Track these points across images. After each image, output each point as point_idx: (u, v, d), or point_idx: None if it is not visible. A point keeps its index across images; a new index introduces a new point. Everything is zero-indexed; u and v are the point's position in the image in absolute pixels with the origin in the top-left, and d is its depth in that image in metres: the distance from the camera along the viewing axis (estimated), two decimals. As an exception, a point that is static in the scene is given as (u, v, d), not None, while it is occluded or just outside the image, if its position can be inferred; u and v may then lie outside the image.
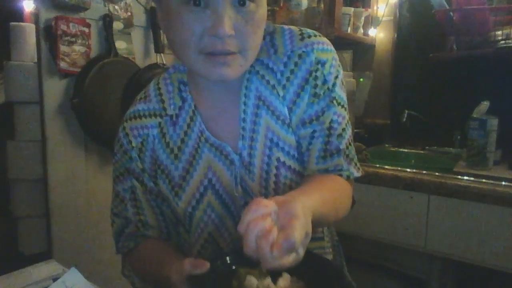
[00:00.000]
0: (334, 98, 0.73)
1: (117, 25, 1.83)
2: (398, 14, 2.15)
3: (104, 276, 1.64)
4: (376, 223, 1.65)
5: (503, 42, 1.67)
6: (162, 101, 0.76)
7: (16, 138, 1.75)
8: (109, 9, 1.80)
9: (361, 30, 2.17)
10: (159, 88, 0.78)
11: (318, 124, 0.73)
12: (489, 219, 1.39)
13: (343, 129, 0.74)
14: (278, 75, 0.72)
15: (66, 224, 1.73)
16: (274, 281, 0.58)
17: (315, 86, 0.71)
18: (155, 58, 1.94)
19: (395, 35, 2.17)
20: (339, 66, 0.74)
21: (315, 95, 0.72)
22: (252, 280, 0.56)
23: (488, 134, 1.57)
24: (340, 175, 0.73)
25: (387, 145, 2.18)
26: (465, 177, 1.50)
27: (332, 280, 0.57)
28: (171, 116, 0.75)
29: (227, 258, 0.62)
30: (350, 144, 0.76)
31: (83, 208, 1.76)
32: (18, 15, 1.81)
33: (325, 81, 0.72)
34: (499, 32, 1.69)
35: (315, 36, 0.72)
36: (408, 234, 1.57)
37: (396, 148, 2.13)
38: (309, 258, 0.61)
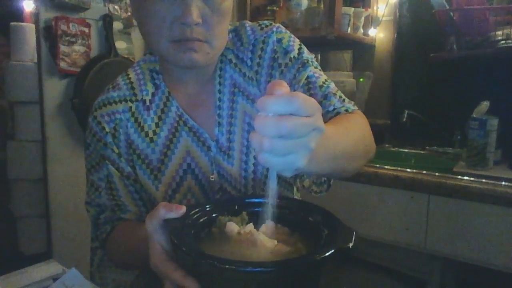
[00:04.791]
0: (306, 60, 0.77)
1: (117, 25, 1.83)
2: (398, 14, 2.15)
3: (104, 276, 1.64)
4: (376, 223, 1.65)
5: (503, 42, 1.67)
6: (132, 88, 0.79)
7: (16, 138, 1.75)
8: (109, 9, 1.80)
9: (361, 30, 2.17)
10: (129, 78, 0.80)
11: (296, 84, 0.76)
12: (489, 219, 1.39)
13: (324, 82, 0.76)
14: (249, 62, 0.78)
15: (66, 224, 1.74)
16: (257, 229, 0.54)
17: (278, 58, 0.77)
18: (155, 58, 1.94)
19: (395, 35, 2.17)
20: (299, 41, 0.80)
21: (281, 66, 0.77)
22: (233, 226, 0.54)
23: (488, 134, 1.56)
24: (338, 113, 0.72)
25: (387, 145, 2.18)
26: (465, 177, 1.49)
27: (321, 223, 0.53)
28: (144, 101, 0.78)
29: (206, 206, 0.58)
30: (337, 91, 0.76)
31: (83, 208, 1.76)
32: (18, 15, 1.81)
33: (286, 52, 0.77)
34: (499, 32, 1.69)
35: (271, 24, 0.80)
36: (408, 234, 1.57)
37: (396, 148, 2.13)
38: (294, 204, 0.60)
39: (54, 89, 1.69)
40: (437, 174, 1.55)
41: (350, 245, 0.46)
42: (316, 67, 0.78)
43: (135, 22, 1.89)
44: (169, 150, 0.77)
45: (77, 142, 1.76)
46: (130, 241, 0.70)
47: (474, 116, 1.61)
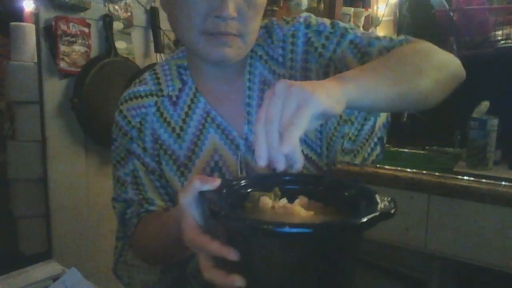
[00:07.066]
0: (345, 29, 0.74)
1: (117, 25, 1.83)
2: (398, 14, 2.15)
3: (104, 276, 1.64)
4: (376, 223, 1.65)
5: (503, 42, 1.67)
6: (159, 84, 0.78)
7: (16, 138, 1.75)
8: (109, 9, 1.80)
9: (361, 30, 2.17)
10: (155, 73, 0.80)
11: (338, 57, 0.72)
12: (489, 219, 1.39)
13: (369, 37, 0.73)
14: (280, 59, 0.76)
15: (66, 224, 1.73)
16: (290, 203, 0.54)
17: (314, 42, 0.74)
18: (155, 58, 1.94)
19: (395, 35, 2.17)
20: (326, 19, 0.77)
21: (318, 48, 0.73)
22: (266, 200, 0.53)
23: (488, 134, 1.56)
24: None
25: (387, 145, 2.18)
26: (465, 177, 1.49)
27: (358, 196, 0.52)
28: (170, 96, 0.77)
29: (242, 181, 0.56)
30: (383, 36, 0.75)
31: (83, 208, 1.76)
32: (18, 15, 1.81)
33: (319, 33, 0.74)
34: (499, 32, 1.69)
35: (294, 17, 0.77)
36: (408, 234, 1.57)
37: (396, 148, 2.13)
38: (327, 181, 0.59)
39: (54, 89, 1.69)
40: (437, 174, 1.55)
41: (393, 210, 0.45)
42: (354, 29, 0.75)
43: (135, 22, 1.89)
44: (197, 147, 0.75)
45: (77, 142, 1.76)
46: (159, 223, 0.68)
47: (474, 116, 1.61)
